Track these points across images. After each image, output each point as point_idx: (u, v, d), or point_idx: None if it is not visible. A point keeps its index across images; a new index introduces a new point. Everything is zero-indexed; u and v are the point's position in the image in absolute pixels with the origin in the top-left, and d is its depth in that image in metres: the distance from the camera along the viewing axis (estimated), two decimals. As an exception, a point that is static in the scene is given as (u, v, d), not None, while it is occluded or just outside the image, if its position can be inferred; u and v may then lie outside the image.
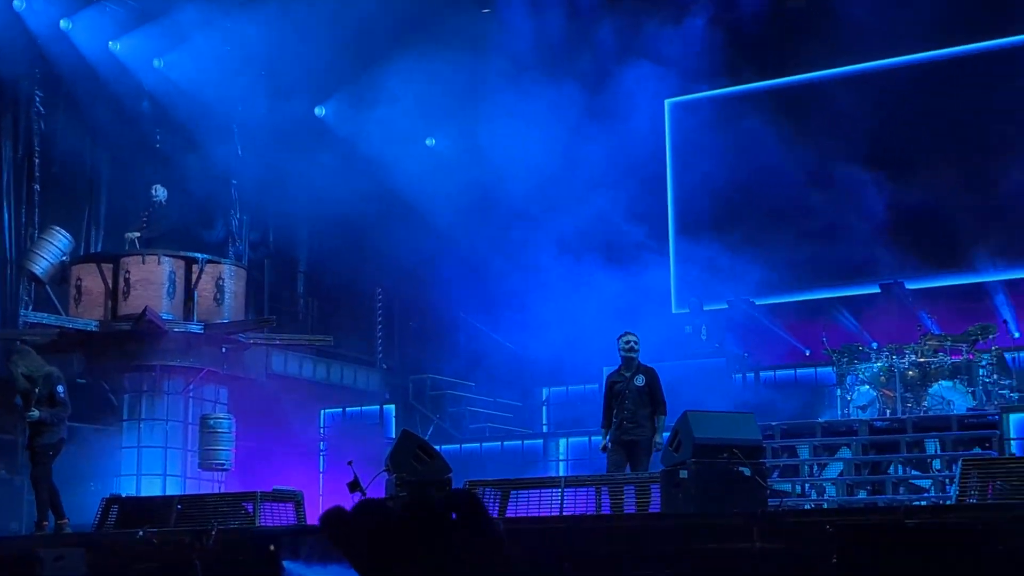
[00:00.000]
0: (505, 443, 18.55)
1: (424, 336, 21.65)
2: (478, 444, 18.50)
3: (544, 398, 20.26)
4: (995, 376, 15.51)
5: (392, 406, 19.48)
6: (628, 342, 12.90)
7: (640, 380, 12.73)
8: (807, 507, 14.39)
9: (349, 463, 9.79)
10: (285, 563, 10.01)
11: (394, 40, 19.84)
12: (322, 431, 19.68)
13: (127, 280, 17.55)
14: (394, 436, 15.02)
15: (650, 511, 11.14)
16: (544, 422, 20.03)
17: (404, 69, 19.40)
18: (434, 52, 19.42)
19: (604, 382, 13.27)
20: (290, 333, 19.76)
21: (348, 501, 4.67)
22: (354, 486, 9.51)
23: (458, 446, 18.05)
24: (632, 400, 12.69)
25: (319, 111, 21.41)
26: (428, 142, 22.05)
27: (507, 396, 20.45)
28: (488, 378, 20.40)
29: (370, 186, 19.64)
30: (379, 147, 20.14)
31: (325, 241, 20.99)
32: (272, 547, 10.19)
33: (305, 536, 10.26)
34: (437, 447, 13.22)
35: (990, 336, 15.82)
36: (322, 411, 19.81)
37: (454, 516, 1.14)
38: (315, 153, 20.04)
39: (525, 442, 18.54)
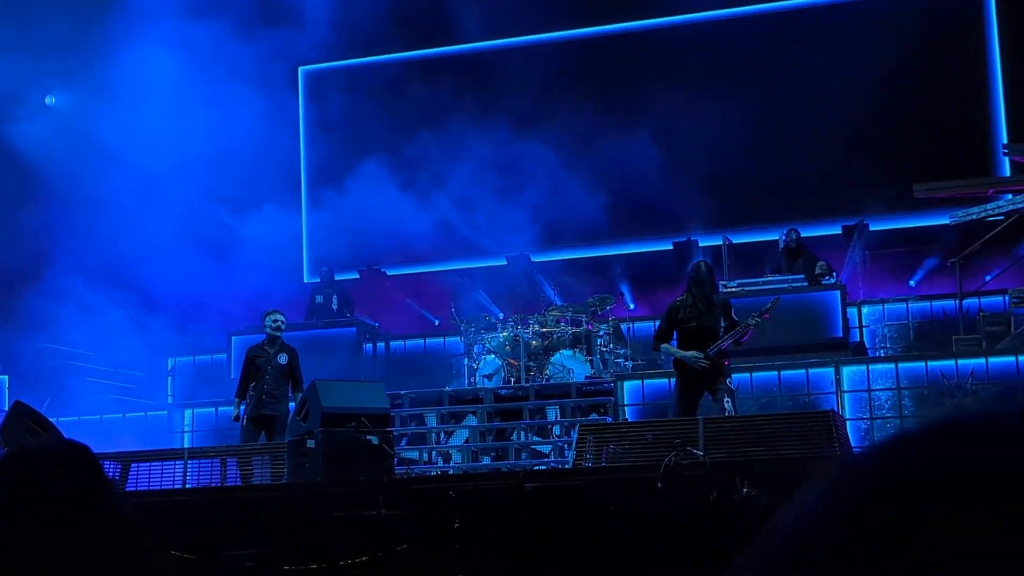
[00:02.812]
0: (127, 414, 17.92)
1: (41, 305, 20.58)
2: (98, 416, 17.77)
3: (170, 368, 19.70)
4: (612, 345, 16.24)
5: (5, 377, 18.43)
6: (276, 320, 13.55)
7: (283, 358, 13.37)
8: (434, 474, 14.65)
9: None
10: None
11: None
12: (-74, 405, 18.39)
13: None
14: (6, 409, 14.22)
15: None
16: (169, 393, 19.48)
17: (16, 22, 18.33)
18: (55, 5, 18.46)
19: (244, 355, 13.75)
20: None
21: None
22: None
23: (77, 418, 17.28)
24: (273, 376, 13.26)
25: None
26: (48, 100, 20.94)
27: (130, 366, 19.75)
28: (110, 348, 19.63)
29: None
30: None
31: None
32: None
33: None
34: (54, 419, 12.65)
35: (608, 307, 16.56)
36: (-74, 384, 18.51)
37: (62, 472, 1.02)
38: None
39: (148, 413, 17.97)
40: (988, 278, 17.69)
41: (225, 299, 18.94)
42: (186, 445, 15.96)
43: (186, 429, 17.43)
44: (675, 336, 11.23)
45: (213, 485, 11.53)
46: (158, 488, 11.57)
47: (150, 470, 12.00)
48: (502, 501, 8.34)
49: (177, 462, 12.07)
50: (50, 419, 12.09)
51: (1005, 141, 18.41)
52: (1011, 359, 14.09)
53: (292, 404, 13.09)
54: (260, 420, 13.16)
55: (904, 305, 17.18)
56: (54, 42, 18.88)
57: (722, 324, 10.97)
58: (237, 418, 13.36)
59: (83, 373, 19.08)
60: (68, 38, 18.99)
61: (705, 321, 10.99)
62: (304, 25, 20.30)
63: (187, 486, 11.75)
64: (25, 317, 19.64)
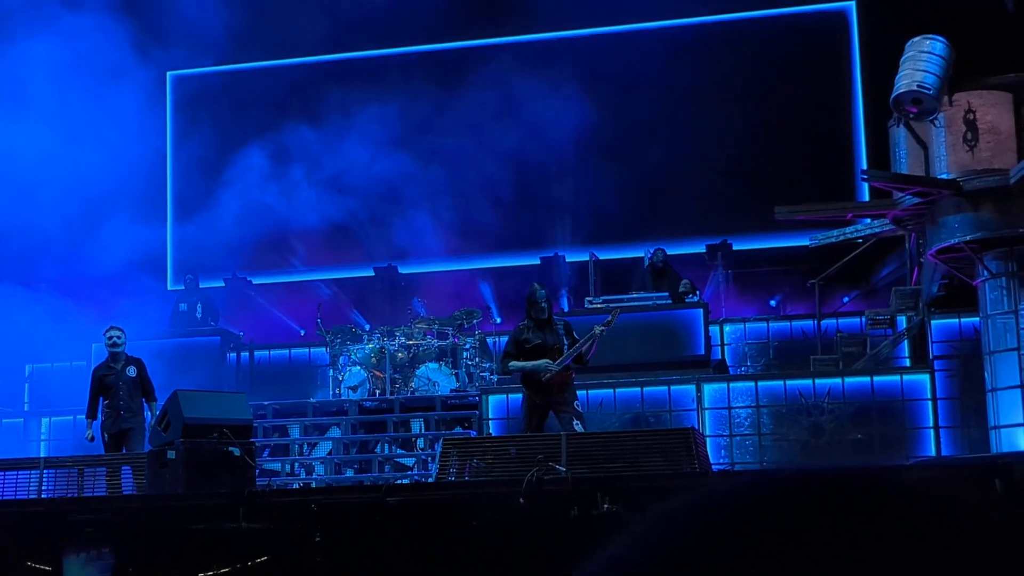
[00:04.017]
0: (-19, 422, 17.47)
1: None
2: (-50, 423, 17.31)
3: (27, 374, 19.23)
4: (477, 359, 16.31)
5: None
6: (112, 337, 13.39)
7: (132, 371, 13.26)
8: (296, 486, 14.55)
9: None
10: None
11: None
12: None
13: None
14: None
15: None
16: (26, 400, 19.02)
17: None
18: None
19: (91, 375, 13.62)
20: None
21: None
22: None
23: (-73, 425, 16.81)
24: (126, 391, 13.16)
25: None
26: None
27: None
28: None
29: None
30: None
31: None
32: None
33: None
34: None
35: (474, 321, 16.64)
36: None
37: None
38: None
39: (4, 421, 17.53)
40: (846, 300, 18.18)
41: (86, 306, 18.56)
42: (42, 454, 15.61)
43: (43, 438, 17.04)
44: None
45: (70, 496, 11.30)
46: (12, 498, 11.32)
47: (4, 479, 11.73)
48: (364, 515, 8.33)
49: (33, 471, 11.82)
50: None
51: (864, 167, 18.93)
52: (866, 379, 14.50)
53: (148, 414, 13.01)
54: (119, 435, 13.03)
55: (765, 324, 17.54)
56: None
57: (565, 343, 11.15)
58: (91, 438, 13.15)
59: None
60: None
61: (549, 340, 11.15)
62: (174, 30, 20.04)
63: (43, 496, 11.51)
64: None
